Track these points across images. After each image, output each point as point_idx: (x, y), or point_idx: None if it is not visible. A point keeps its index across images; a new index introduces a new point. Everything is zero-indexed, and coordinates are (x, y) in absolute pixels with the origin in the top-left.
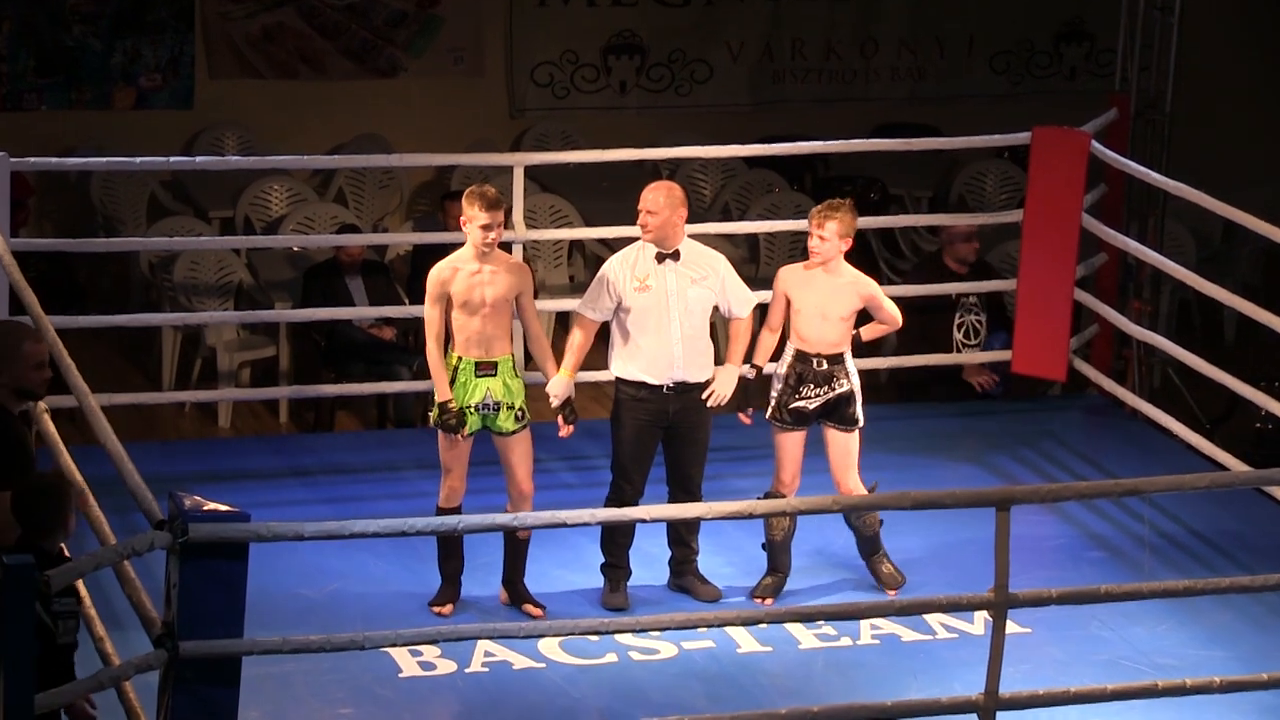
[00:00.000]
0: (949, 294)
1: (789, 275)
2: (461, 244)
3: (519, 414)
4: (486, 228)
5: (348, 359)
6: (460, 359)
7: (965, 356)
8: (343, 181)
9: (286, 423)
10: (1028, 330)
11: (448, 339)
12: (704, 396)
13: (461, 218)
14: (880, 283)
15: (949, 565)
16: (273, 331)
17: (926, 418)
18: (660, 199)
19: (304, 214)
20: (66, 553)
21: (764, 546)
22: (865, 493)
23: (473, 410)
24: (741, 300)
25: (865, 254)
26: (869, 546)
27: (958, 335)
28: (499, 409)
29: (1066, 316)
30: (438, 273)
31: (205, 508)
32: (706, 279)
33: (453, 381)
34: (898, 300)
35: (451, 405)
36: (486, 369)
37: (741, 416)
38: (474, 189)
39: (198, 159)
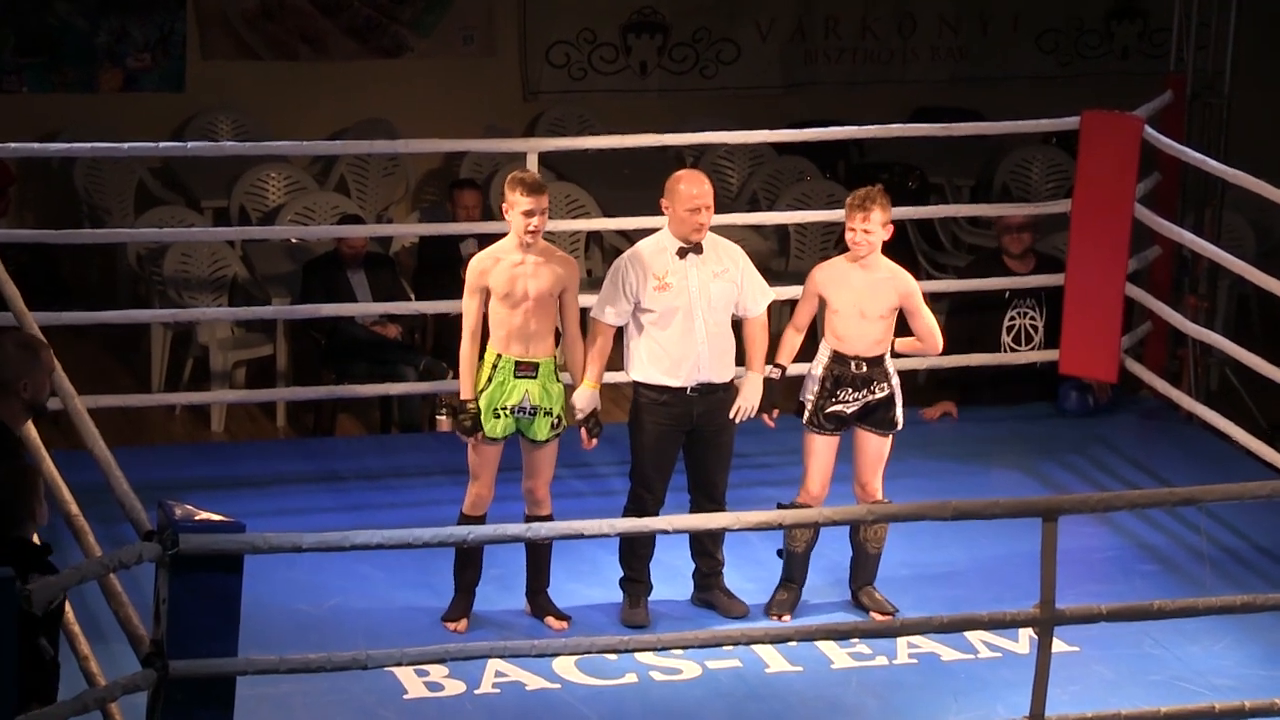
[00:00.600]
0: (1001, 292)
1: (823, 274)
2: (480, 236)
3: (555, 421)
4: (529, 214)
5: (349, 359)
6: (499, 356)
7: (1010, 358)
8: (344, 169)
9: (284, 426)
10: (1076, 329)
11: (484, 335)
12: (731, 414)
13: (504, 205)
14: (919, 278)
15: (992, 579)
16: (269, 329)
17: (969, 422)
18: (712, 191)
19: (303, 203)
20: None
21: (780, 553)
22: (888, 502)
23: (507, 413)
24: (757, 296)
25: (902, 246)
26: (867, 570)
27: (1006, 338)
28: (535, 415)
29: (1117, 314)
30: (478, 262)
31: (197, 517)
32: (727, 272)
33: (489, 380)
34: (940, 296)
35: (470, 407)
36: (526, 370)
37: (766, 419)
38: (516, 174)
39: (189, 145)
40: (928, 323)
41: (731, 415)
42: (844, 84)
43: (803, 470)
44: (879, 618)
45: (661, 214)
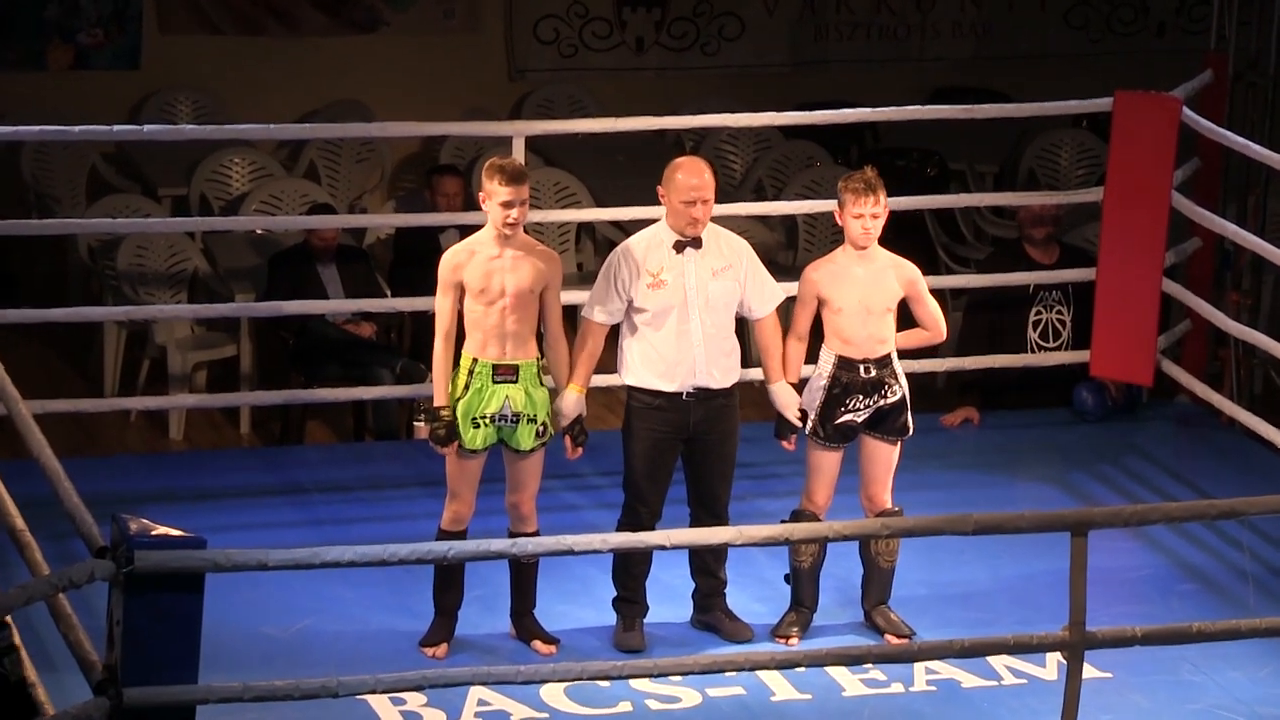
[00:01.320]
0: (1025, 286)
1: (820, 272)
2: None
3: (540, 429)
4: (508, 205)
5: (320, 360)
6: (475, 360)
7: (1037, 358)
8: (315, 154)
9: (249, 434)
10: (1108, 328)
11: (460, 337)
12: (790, 442)
13: (480, 194)
14: (938, 274)
15: (1017, 599)
16: (233, 328)
17: (992, 428)
18: (713, 182)
19: (269, 191)
20: None
21: (787, 578)
22: (897, 511)
23: (487, 421)
24: (765, 296)
25: (920, 238)
26: (881, 586)
27: (1033, 335)
28: (518, 422)
29: (1153, 311)
30: (452, 256)
31: (154, 532)
32: (730, 268)
33: (466, 387)
34: (957, 293)
35: (445, 414)
36: (506, 373)
37: (785, 445)
38: (494, 160)
39: (146, 128)
40: (932, 309)
41: (789, 440)
42: (857, 62)
43: (806, 484)
44: (894, 641)
45: (659, 203)
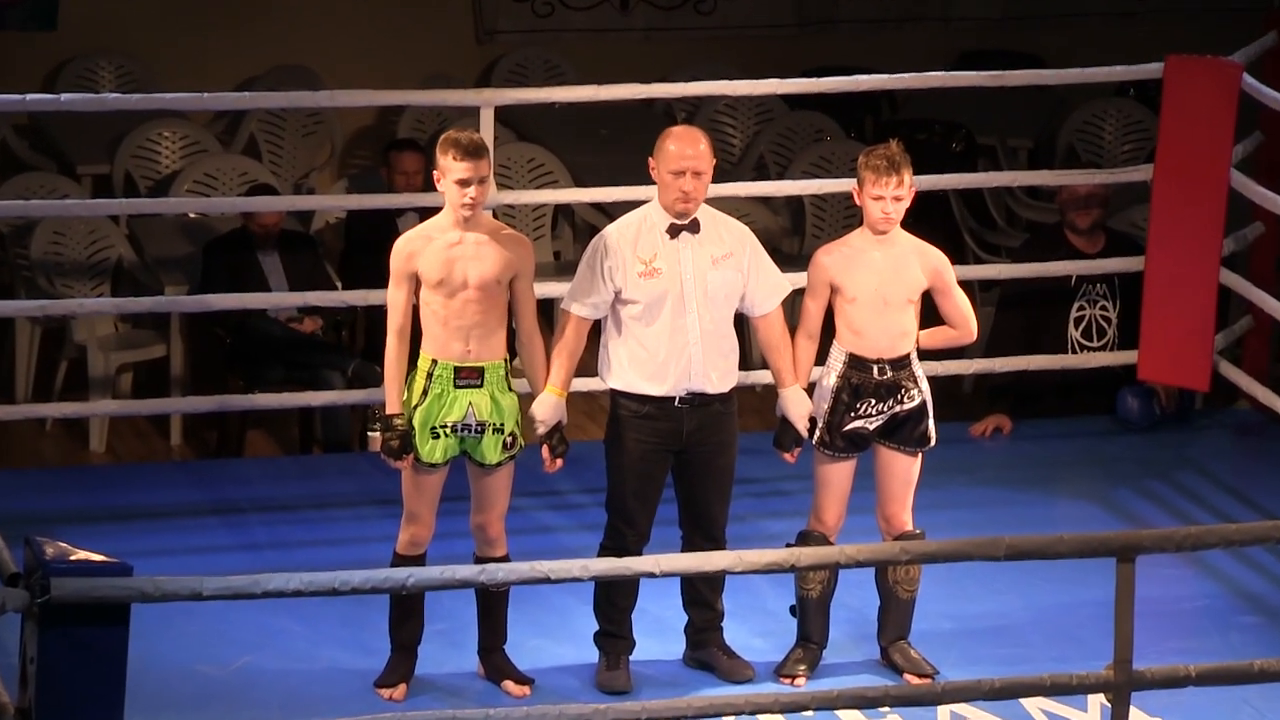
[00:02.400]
0: (1064, 278)
1: (832, 259)
2: (422, 209)
3: (508, 440)
4: (464, 182)
5: (262, 361)
6: (434, 362)
7: (1078, 359)
8: (255, 127)
9: (180, 445)
10: (1159, 325)
11: (416, 334)
12: (790, 454)
13: (435, 172)
14: (966, 264)
15: (1055, 633)
16: (162, 325)
17: (1026, 439)
18: (709, 154)
19: (203, 170)
20: None
21: (793, 610)
22: (919, 534)
23: (448, 431)
24: (770, 289)
25: (945, 223)
26: (899, 619)
27: (1074, 333)
28: (483, 432)
29: (1209, 306)
30: (405, 243)
31: (73, 557)
32: (731, 257)
33: (424, 392)
34: (992, 285)
35: (398, 423)
36: (469, 377)
37: (787, 457)
38: (450, 134)
39: (63, 97)
40: (961, 305)
41: (791, 453)
42: (872, 23)
43: (814, 501)
44: (915, 681)
45: (648, 183)
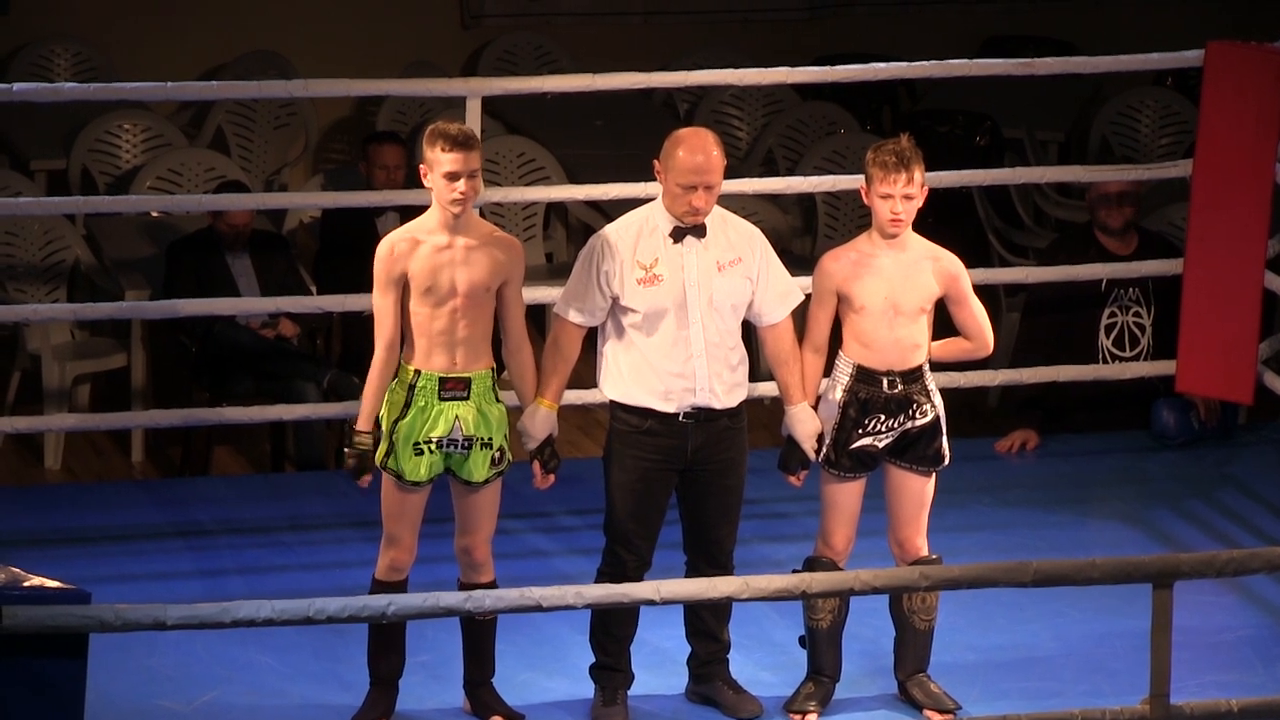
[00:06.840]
0: (1096, 282)
1: (839, 265)
2: (403, 208)
3: (496, 456)
4: (453, 176)
5: (230, 372)
6: (418, 373)
7: (1110, 370)
8: (223, 119)
9: (142, 463)
10: (1198, 333)
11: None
12: (796, 477)
13: (421, 166)
14: (991, 267)
15: (1086, 665)
16: (122, 333)
17: (1055, 455)
18: (721, 161)
19: (167, 165)
20: None
21: (802, 641)
22: (935, 559)
23: (433, 447)
24: (779, 297)
25: (969, 223)
26: (918, 651)
27: (1106, 341)
28: (470, 448)
29: (1253, 313)
30: (390, 246)
31: (27, 583)
32: (740, 262)
33: (407, 405)
34: (1013, 290)
35: (360, 441)
36: (455, 388)
37: (792, 480)
38: (437, 124)
39: (15, 87)
40: (977, 315)
41: (796, 475)
42: (890, 5)
43: (820, 524)
44: (937, 717)
45: (647, 179)
